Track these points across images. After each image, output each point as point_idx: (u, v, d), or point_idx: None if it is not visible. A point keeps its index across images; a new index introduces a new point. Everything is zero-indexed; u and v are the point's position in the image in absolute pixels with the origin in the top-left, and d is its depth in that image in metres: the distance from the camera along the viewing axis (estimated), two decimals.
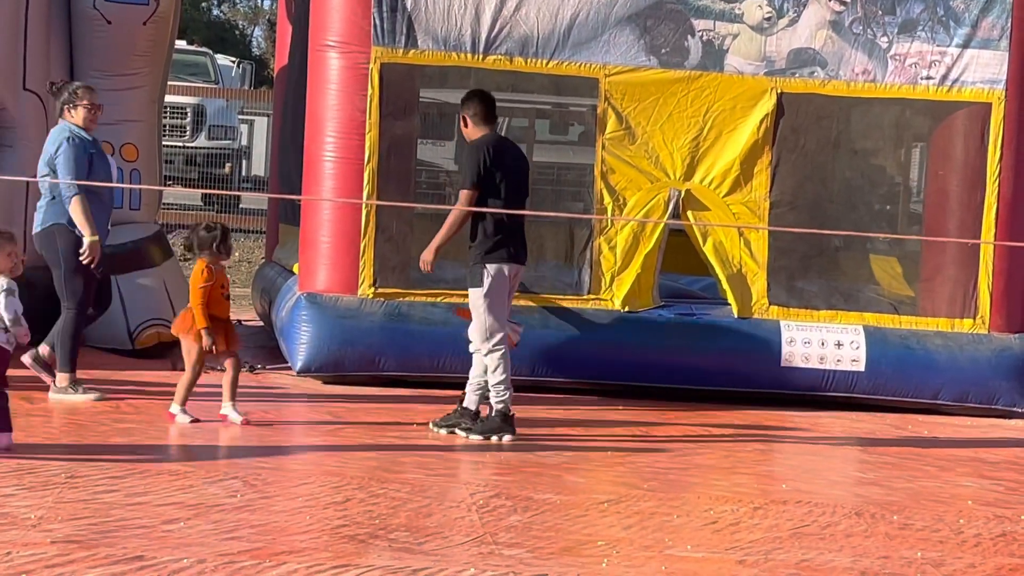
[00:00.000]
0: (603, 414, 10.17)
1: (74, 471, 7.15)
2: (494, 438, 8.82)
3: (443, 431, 8.94)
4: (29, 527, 6.05)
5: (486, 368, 8.90)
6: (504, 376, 8.85)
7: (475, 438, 8.81)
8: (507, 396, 8.87)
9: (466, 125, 9.06)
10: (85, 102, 9.53)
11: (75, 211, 9.32)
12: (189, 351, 8.87)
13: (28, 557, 5.60)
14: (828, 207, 11.33)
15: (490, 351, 8.85)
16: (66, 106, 9.55)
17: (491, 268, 8.83)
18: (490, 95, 9.15)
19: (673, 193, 10.84)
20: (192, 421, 8.70)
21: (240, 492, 7.00)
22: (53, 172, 9.39)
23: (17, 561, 5.54)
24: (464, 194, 8.86)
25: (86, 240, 9.33)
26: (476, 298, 8.87)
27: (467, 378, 9.10)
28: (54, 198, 9.46)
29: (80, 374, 10.27)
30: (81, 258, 9.35)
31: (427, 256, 9.00)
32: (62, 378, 9.49)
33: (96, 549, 5.78)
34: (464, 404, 9.02)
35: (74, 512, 6.36)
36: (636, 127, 10.82)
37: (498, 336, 8.85)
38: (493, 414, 8.89)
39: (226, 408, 8.77)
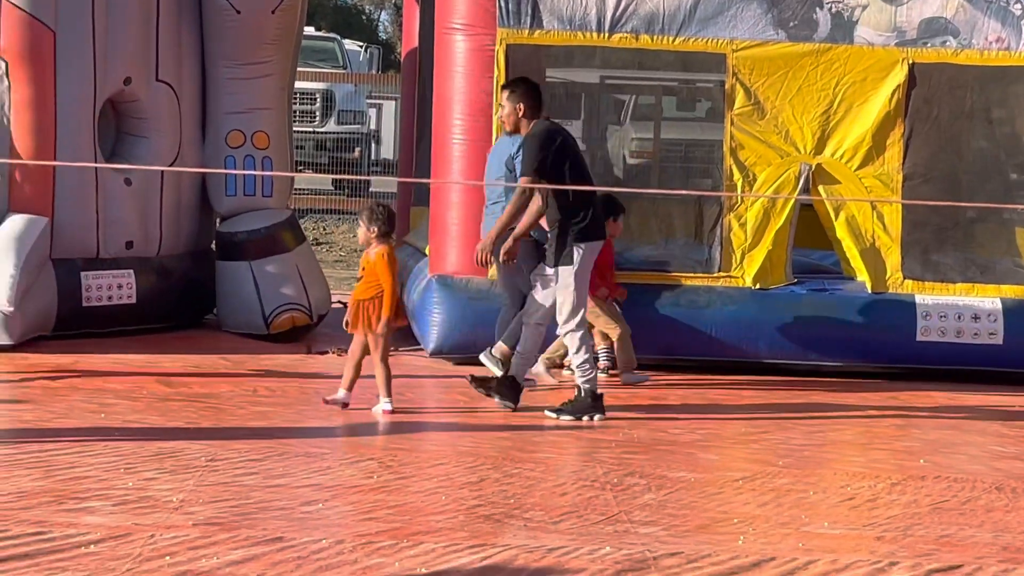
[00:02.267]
0: (736, 391, 10.12)
1: (214, 454, 7.26)
2: (584, 418, 8.75)
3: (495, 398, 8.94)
4: (171, 510, 6.16)
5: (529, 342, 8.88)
6: (587, 355, 8.77)
7: (566, 419, 8.74)
8: (593, 375, 8.80)
9: (523, 115, 8.88)
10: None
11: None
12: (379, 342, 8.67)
13: (171, 540, 5.70)
14: (963, 178, 11.14)
15: (572, 331, 8.78)
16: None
17: (584, 247, 8.77)
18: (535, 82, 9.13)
19: (804, 168, 10.73)
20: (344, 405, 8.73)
21: (376, 473, 7.07)
22: (511, 173, 9.49)
23: (160, 544, 5.64)
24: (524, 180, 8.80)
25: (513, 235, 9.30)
26: (567, 276, 8.79)
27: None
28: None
29: (217, 359, 10.45)
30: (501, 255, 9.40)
31: None
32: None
33: (237, 531, 5.86)
34: (511, 376, 8.97)
35: (215, 495, 6.46)
36: (765, 102, 10.72)
37: (582, 314, 8.80)
38: (582, 395, 8.80)
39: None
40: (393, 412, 8.60)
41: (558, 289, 8.87)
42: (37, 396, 8.85)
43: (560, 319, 8.85)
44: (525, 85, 9.05)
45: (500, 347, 9.43)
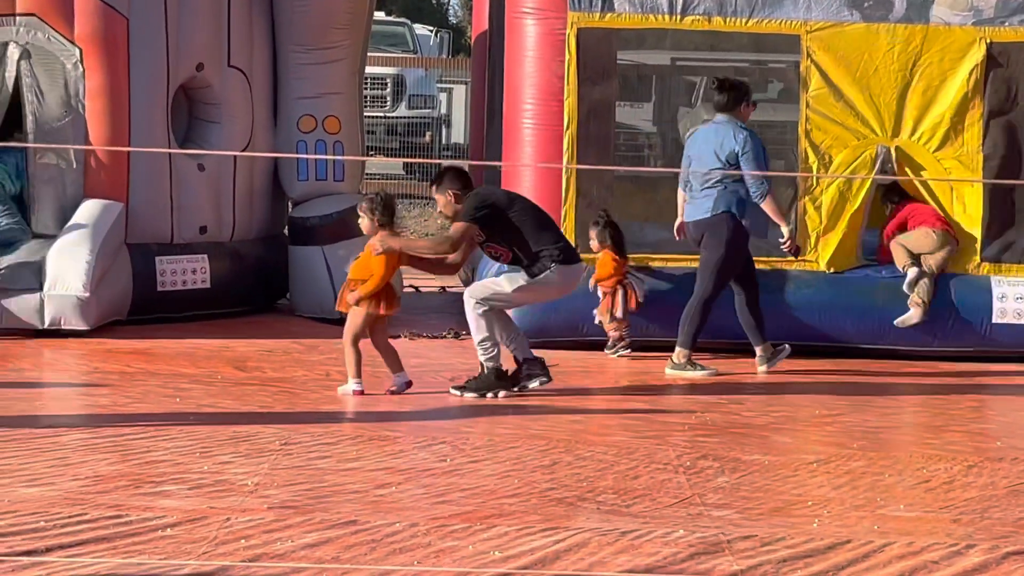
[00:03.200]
0: (810, 374, 10.05)
1: (288, 438, 7.30)
2: (489, 395, 8.72)
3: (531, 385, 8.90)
4: (246, 493, 6.20)
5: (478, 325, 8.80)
6: (488, 333, 8.75)
7: (470, 396, 8.71)
8: (496, 352, 8.78)
9: (458, 202, 8.79)
10: (754, 103, 10.06)
11: (770, 205, 9.76)
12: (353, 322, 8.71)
13: (246, 523, 5.73)
14: None
15: (476, 308, 8.73)
16: (744, 102, 9.91)
17: (556, 270, 8.74)
18: (462, 169, 9.13)
19: (880, 150, 10.64)
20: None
21: (449, 456, 7.08)
22: (728, 165, 9.70)
23: (236, 527, 5.68)
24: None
25: (785, 231, 9.81)
26: (520, 279, 8.77)
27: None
28: (726, 187, 9.71)
29: (290, 343, 10.51)
30: (783, 247, 9.79)
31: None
32: (680, 354, 9.76)
33: (311, 514, 5.89)
34: (525, 358, 8.93)
35: (289, 478, 6.49)
36: (840, 83, 10.63)
37: (495, 304, 8.77)
38: (486, 372, 8.79)
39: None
40: (363, 393, 8.56)
41: (503, 275, 8.93)
42: (113, 381, 8.94)
43: (475, 293, 8.81)
44: (447, 173, 9.00)
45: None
